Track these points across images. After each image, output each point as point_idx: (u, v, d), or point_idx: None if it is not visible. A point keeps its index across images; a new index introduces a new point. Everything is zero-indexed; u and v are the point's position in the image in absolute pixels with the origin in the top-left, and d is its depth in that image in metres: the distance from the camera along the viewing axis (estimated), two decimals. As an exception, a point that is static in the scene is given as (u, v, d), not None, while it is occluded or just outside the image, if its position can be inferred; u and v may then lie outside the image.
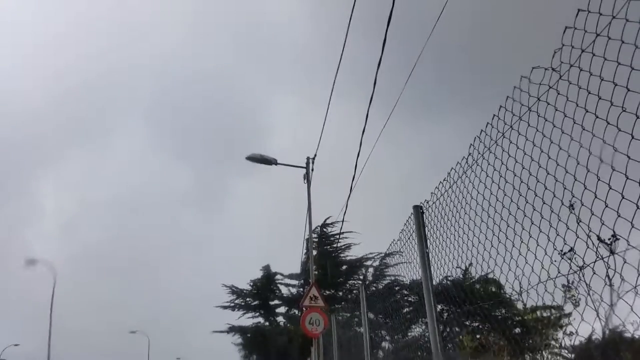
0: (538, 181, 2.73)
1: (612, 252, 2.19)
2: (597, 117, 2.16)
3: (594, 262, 2.29)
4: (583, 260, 2.38)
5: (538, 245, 2.77)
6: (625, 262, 2.05)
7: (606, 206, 2.10)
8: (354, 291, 20.99)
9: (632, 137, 1.93)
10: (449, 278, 4.39)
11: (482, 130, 3.33)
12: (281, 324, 24.40)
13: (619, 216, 2.00)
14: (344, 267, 22.93)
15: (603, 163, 2.09)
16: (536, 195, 2.76)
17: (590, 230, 2.31)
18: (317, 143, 14.11)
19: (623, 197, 1.98)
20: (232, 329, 24.13)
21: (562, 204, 2.51)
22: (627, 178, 1.95)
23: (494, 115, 3.15)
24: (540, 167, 2.72)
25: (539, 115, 2.72)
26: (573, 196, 2.41)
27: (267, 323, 24.58)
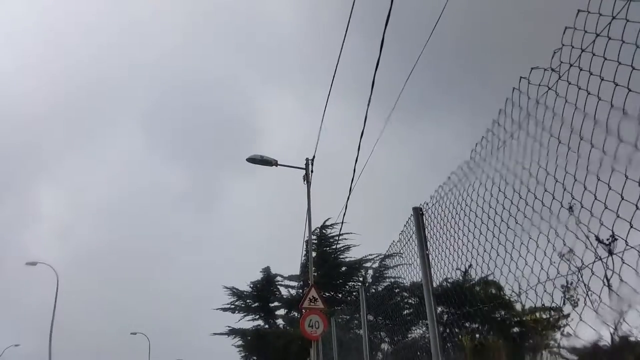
0: (537, 183, 2.73)
1: (610, 253, 2.18)
2: (597, 119, 2.16)
3: (593, 262, 2.28)
4: (582, 261, 2.38)
5: (538, 246, 2.77)
6: (623, 262, 2.04)
7: (605, 207, 2.09)
8: (354, 293, 20.97)
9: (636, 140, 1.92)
10: (449, 280, 4.38)
11: (483, 137, 3.33)
12: (281, 326, 24.37)
13: (618, 217, 1.99)
14: (344, 268, 22.92)
15: (603, 164, 2.09)
16: (535, 198, 2.75)
17: (589, 231, 2.30)
18: (316, 144, 14.13)
19: (622, 198, 1.97)
20: (232, 332, 24.12)
21: (562, 205, 2.51)
22: (627, 178, 1.94)
23: (494, 120, 3.15)
24: (539, 167, 2.71)
25: (537, 118, 2.72)
26: (573, 198, 2.40)
27: (266, 326, 24.56)
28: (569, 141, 2.40)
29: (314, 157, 14.65)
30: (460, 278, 4.37)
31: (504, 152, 3.12)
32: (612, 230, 2.06)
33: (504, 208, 3.12)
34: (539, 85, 2.65)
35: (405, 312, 7.42)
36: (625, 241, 1.98)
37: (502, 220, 3.15)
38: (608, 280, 2.18)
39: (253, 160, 14.58)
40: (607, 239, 2.19)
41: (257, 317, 24.79)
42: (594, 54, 2.18)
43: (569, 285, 2.79)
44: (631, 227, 1.93)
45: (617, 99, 2.02)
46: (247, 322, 24.64)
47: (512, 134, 2.96)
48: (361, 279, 22.53)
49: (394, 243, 5.42)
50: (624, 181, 1.95)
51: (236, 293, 24.79)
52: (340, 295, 22.55)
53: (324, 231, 23.30)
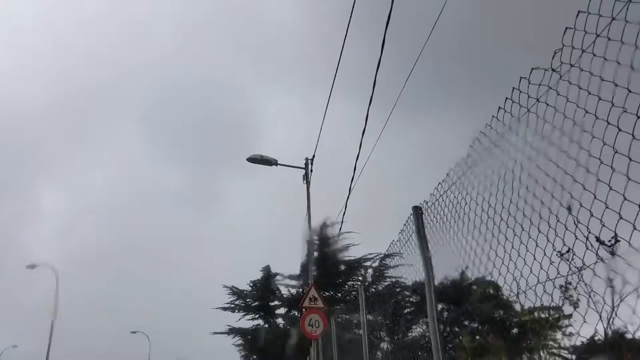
0: (536, 182, 2.72)
1: (613, 254, 2.18)
2: (597, 117, 2.16)
3: (594, 263, 2.28)
4: (583, 261, 2.38)
5: (537, 246, 2.76)
6: (627, 263, 2.04)
7: (607, 207, 2.09)
8: (353, 292, 20.97)
9: (633, 137, 1.92)
10: (449, 279, 4.39)
11: (481, 132, 3.32)
12: (280, 326, 24.37)
13: (620, 218, 1.99)
14: (343, 267, 22.92)
15: (603, 164, 2.08)
16: (534, 197, 2.75)
17: (589, 232, 2.30)
18: (316, 144, 14.13)
19: (625, 199, 1.97)
20: (232, 331, 24.13)
21: (561, 205, 2.50)
22: (629, 179, 1.94)
23: (493, 116, 3.14)
24: (538, 168, 2.71)
25: (537, 117, 2.71)
26: (572, 197, 2.40)
27: (266, 325, 24.54)
28: (569, 140, 2.40)
29: (313, 156, 14.66)
30: (459, 277, 4.37)
31: (501, 151, 3.12)
32: (615, 232, 2.05)
33: (503, 207, 3.12)
34: (539, 85, 2.65)
35: (405, 312, 7.43)
36: (628, 242, 1.97)
37: (501, 219, 3.14)
38: (611, 281, 2.18)
39: (253, 159, 14.59)
40: (609, 240, 2.19)
41: (257, 316, 24.77)
42: (594, 55, 2.18)
43: (567, 286, 2.79)
44: (634, 228, 1.93)
45: (617, 99, 2.02)
46: (247, 322, 24.63)
47: (510, 127, 2.96)
48: (360, 278, 22.54)
49: (394, 242, 5.42)
50: (626, 182, 1.95)
51: (236, 292, 24.77)
52: (339, 295, 22.55)
53: (323, 230, 23.28)
